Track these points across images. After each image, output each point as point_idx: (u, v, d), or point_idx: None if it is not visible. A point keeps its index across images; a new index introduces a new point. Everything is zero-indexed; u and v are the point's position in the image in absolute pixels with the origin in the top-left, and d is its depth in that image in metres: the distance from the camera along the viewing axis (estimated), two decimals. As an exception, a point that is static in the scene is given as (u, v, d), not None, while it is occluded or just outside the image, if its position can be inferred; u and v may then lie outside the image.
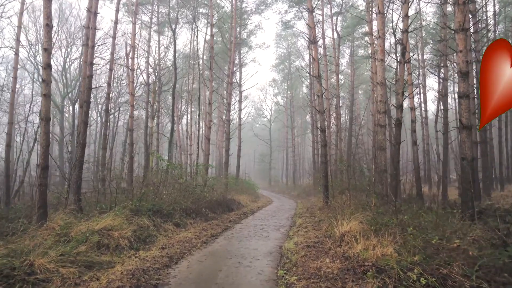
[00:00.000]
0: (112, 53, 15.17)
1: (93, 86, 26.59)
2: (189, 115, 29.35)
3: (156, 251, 6.09)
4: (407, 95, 13.13)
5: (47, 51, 8.03)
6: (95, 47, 11.46)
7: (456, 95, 10.95)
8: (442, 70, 17.24)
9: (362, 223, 6.65)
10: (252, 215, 12.79)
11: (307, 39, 28.52)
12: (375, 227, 6.11)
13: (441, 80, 18.06)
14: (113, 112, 26.92)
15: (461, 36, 7.13)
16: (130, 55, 18.20)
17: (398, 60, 11.38)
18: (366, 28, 29.27)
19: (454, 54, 13.90)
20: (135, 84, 25.63)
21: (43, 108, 7.90)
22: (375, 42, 19.87)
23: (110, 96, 16.17)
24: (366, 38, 28.23)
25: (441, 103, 18.07)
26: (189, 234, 7.80)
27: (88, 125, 11.40)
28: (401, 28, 11.08)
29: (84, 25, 11.84)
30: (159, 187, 10.84)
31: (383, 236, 5.57)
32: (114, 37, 15.20)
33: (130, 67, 18.03)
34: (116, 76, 26.41)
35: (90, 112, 12.33)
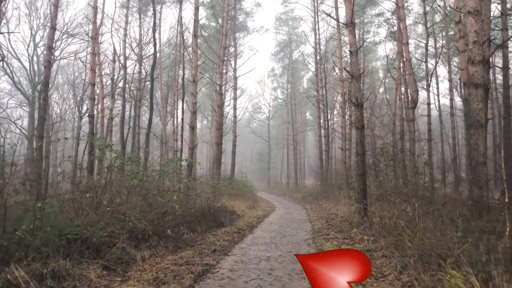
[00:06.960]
0: (56, 6, 10.95)
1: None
2: (175, 107, 25.15)
3: None
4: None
5: None
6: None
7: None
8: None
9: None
10: (251, 233, 8.61)
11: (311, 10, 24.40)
12: None
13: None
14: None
15: None
16: (92, 19, 14.02)
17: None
18: (377, 10, 25.46)
19: None
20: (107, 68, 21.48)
21: None
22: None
23: (51, 62, 11.90)
24: (385, 17, 24.36)
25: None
26: (116, 302, 3.60)
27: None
28: None
29: None
30: (101, 194, 6.64)
31: None
32: (58, -15, 11.01)
33: (90, 35, 13.85)
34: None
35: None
